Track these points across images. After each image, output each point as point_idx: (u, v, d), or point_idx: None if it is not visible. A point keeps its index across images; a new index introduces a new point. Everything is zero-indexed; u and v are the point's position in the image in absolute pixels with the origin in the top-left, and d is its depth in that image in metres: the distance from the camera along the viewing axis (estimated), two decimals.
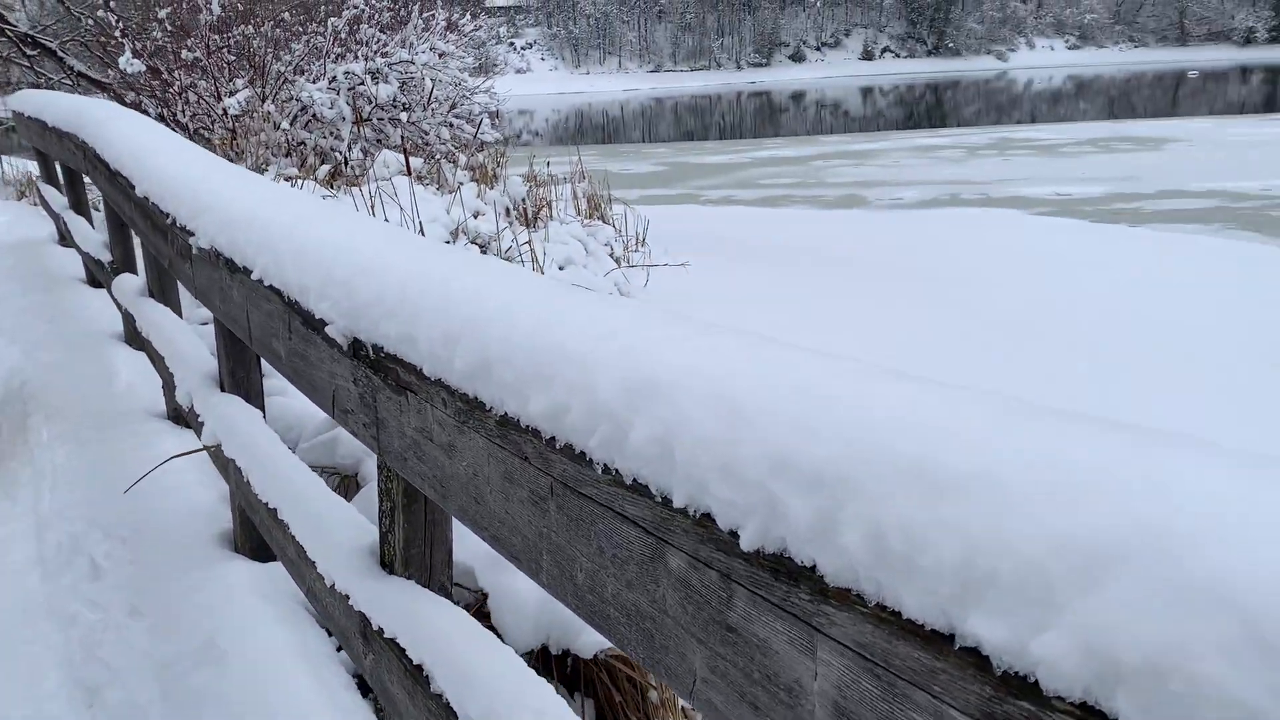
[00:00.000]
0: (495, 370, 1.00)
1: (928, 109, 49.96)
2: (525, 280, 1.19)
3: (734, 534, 0.69)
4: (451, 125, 7.69)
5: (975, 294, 8.39)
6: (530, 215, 6.00)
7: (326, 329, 1.48)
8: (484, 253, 5.12)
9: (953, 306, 7.78)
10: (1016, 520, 0.47)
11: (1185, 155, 19.97)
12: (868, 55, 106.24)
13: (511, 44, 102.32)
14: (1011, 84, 70.57)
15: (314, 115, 6.97)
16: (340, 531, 1.68)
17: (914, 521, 0.52)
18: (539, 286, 1.14)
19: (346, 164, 6.76)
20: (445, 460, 1.21)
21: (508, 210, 5.61)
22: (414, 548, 1.50)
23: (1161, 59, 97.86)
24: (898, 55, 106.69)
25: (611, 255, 6.40)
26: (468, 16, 9.54)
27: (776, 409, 0.64)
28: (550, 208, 6.61)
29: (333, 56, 7.82)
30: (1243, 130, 25.06)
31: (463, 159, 6.94)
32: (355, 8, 8.06)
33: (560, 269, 5.47)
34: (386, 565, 1.55)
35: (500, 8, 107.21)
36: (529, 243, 5.13)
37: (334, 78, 7.24)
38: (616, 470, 0.83)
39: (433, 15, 8.48)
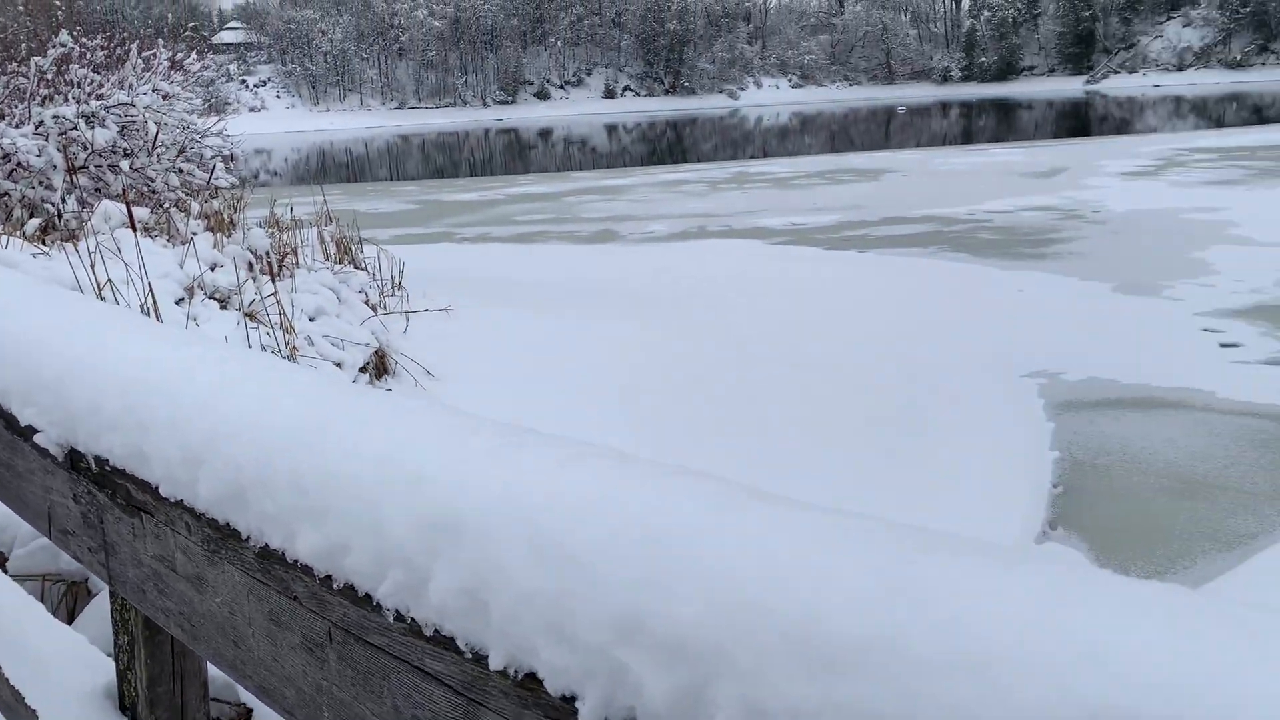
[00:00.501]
0: (251, 498, 0.82)
1: (670, 145, 51.93)
2: (281, 376, 1.00)
3: (569, 699, 0.57)
4: (181, 171, 7.12)
5: (721, 319, 8.68)
6: (275, 264, 5.61)
7: (35, 437, 1.24)
8: (224, 308, 4.73)
9: (700, 330, 8.00)
10: (932, 705, 0.39)
11: (901, 184, 21.76)
12: (610, 93, 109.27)
13: (244, 82, 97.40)
14: (744, 120, 74.68)
15: (19, 164, 6.25)
16: (66, 670, 1.41)
17: (804, 704, 0.43)
18: (301, 384, 0.96)
19: (60, 217, 6.09)
20: (194, 595, 1.00)
21: (250, 262, 5.22)
22: (160, 685, 1.26)
23: (874, 96, 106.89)
24: (638, 94, 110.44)
25: (367, 302, 6.10)
26: (193, 55, 8.92)
27: (621, 556, 0.53)
28: (296, 254, 6.22)
29: (39, 99, 7.06)
30: (947, 160, 27.68)
31: (195, 207, 6.42)
32: (63, 46, 7.33)
33: (311, 320, 5.14)
34: (128, 709, 1.30)
35: (229, 44, 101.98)
36: (275, 294, 4.78)
37: (41, 122, 6.54)
38: (413, 619, 0.69)
39: (154, 54, 7.85)
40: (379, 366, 5.26)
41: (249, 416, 0.90)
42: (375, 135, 74.57)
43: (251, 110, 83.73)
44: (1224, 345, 7.90)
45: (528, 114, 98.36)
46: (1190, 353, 7.76)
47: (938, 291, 10.44)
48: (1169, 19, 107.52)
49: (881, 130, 54.35)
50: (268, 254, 5.31)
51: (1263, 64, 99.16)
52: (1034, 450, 5.97)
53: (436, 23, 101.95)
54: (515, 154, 49.57)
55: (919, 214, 16.48)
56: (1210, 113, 53.84)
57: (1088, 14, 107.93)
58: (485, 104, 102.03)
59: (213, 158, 7.73)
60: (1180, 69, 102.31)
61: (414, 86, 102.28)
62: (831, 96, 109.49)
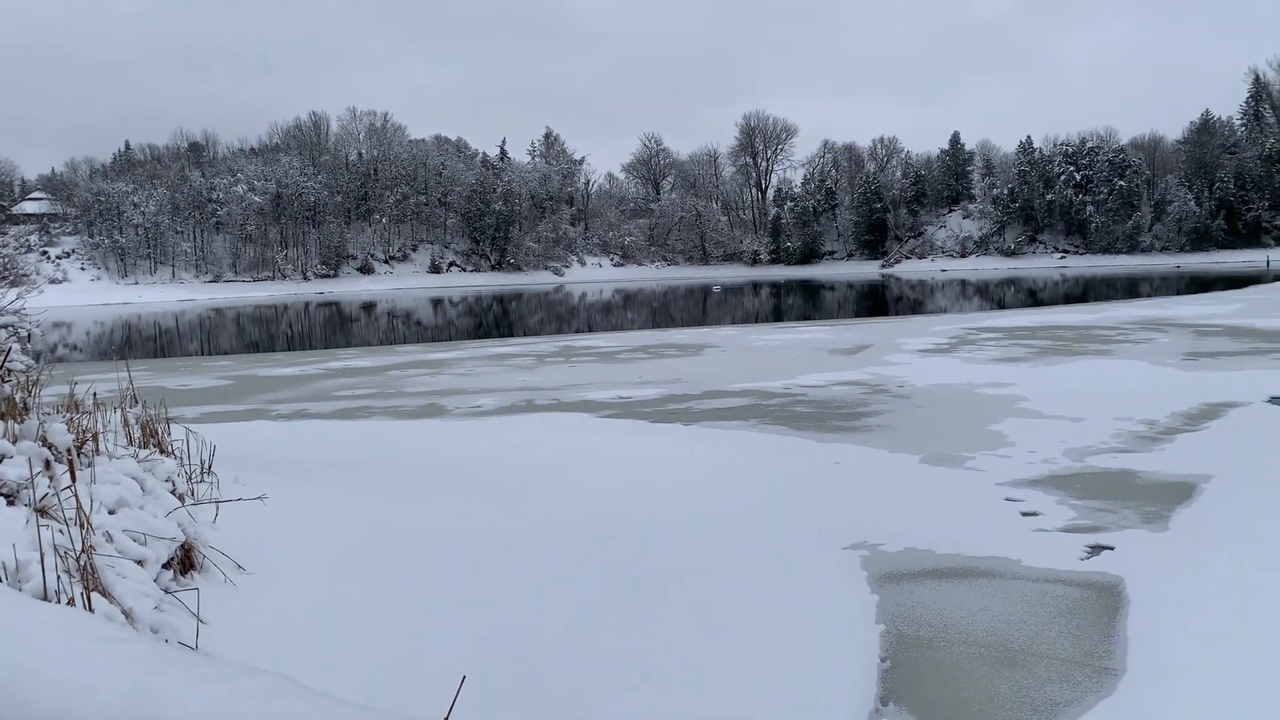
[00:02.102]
0: None
1: (496, 319, 52.47)
2: None
3: None
4: None
5: (550, 495, 8.59)
6: (72, 452, 5.20)
7: None
8: (12, 504, 4.31)
9: (531, 509, 7.88)
10: None
11: (720, 359, 22.65)
12: (435, 268, 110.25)
13: (45, 253, 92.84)
14: (569, 296, 76.64)
15: None
16: None
17: None
18: None
19: None
20: None
21: (47, 459, 4.82)
22: None
23: (690, 275, 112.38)
24: (464, 269, 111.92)
25: (174, 490, 5.71)
26: None
27: None
28: (97, 440, 5.79)
29: None
30: (761, 336, 29.11)
31: None
32: None
33: (112, 513, 4.75)
34: None
35: (30, 215, 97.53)
36: (71, 487, 4.41)
37: None
38: None
39: None
40: (185, 561, 4.88)
41: None
42: (187, 308, 72.02)
43: (52, 282, 79.54)
44: (1025, 514, 8.40)
45: (350, 288, 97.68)
46: (996, 522, 8.20)
47: (760, 464, 10.74)
48: (951, 211, 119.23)
49: (699, 307, 56.87)
50: (69, 450, 4.93)
51: (1033, 252, 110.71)
52: (860, 624, 6.07)
53: (257, 198, 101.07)
54: (336, 327, 48.81)
55: (738, 388, 17.11)
56: (992, 295, 59.26)
57: (879, 205, 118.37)
58: (306, 277, 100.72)
59: (6, 339, 7.21)
60: (963, 255, 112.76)
61: (230, 259, 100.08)
62: (651, 275, 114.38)
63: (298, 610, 4.85)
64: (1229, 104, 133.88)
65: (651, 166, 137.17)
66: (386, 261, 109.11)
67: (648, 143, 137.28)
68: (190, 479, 6.23)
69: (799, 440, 12.17)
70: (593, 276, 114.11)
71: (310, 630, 4.71)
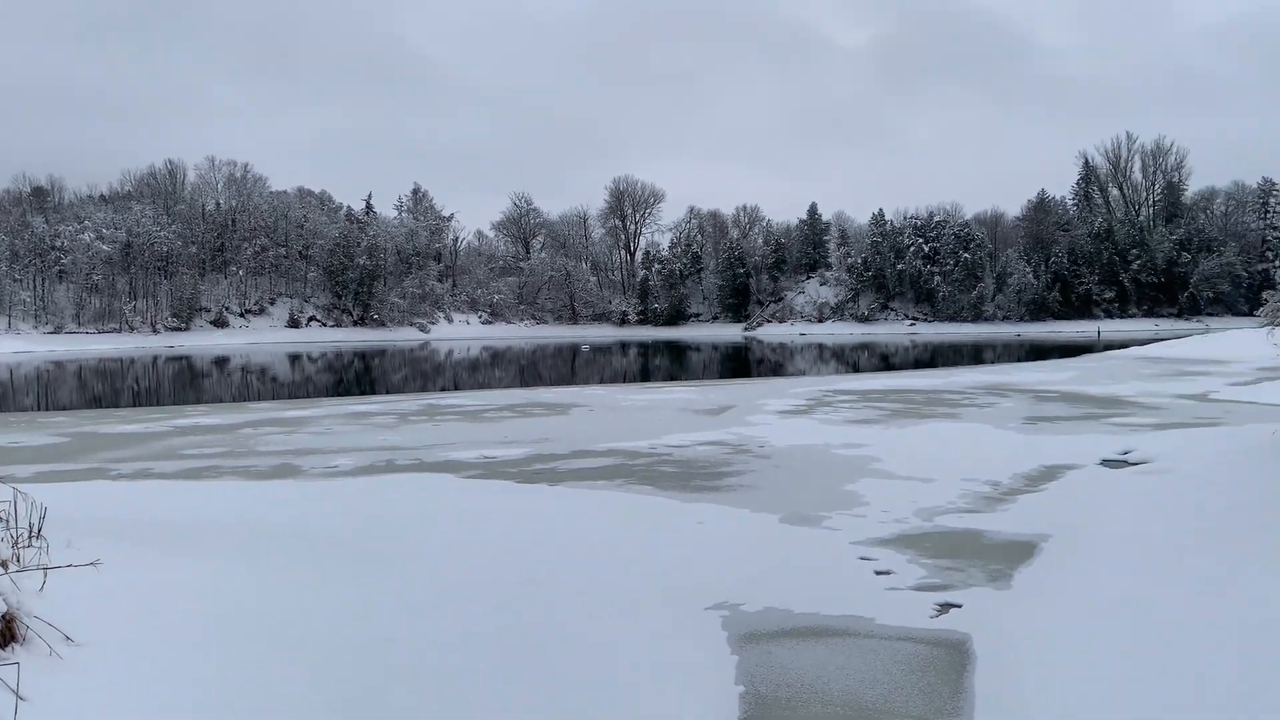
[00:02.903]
0: None
1: (357, 375, 51.17)
2: None
3: None
4: None
5: (412, 560, 8.37)
6: None
7: None
8: None
9: (390, 575, 7.66)
10: None
11: (587, 418, 22.65)
12: (294, 323, 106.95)
13: None
14: (435, 353, 75.51)
15: None
16: None
17: None
18: None
19: None
20: None
21: None
22: None
23: (559, 334, 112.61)
24: (324, 324, 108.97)
25: None
26: None
27: None
28: None
29: None
30: (629, 396, 29.29)
31: None
32: None
33: None
34: None
35: None
36: None
37: None
38: None
39: None
40: (5, 633, 4.52)
41: None
42: (23, 360, 67.62)
43: None
44: (878, 573, 8.65)
45: (203, 341, 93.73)
46: (851, 581, 8.41)
47: (624, 525, 10.74)
48: (809, 278, 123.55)
49: (568, 366, 56.91)
50: None
51: (885, 318, 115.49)
52: (720, 686, 6.09)
53: (105, 247, 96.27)
54: (186, 383, 46.64)
55: (605, 448, 17.13)
56: (848, 359, 61.43)
57: (743, 271, 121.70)
58: (155, 330, 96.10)
59: None
60: (821, 320, 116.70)
61: (74, 310, 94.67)
62: (520, 333, 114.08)
63: (128, 686, 4.54)
64: (1063, 184, 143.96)
65: (522, 225, 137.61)
66: (242, 315, 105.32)
67: (518, 202, 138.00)
68: (16, 544, 5.81)
69: (663, 500, 12.24)
70: (460, 334, 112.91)
71: (141, 708, 4.42)
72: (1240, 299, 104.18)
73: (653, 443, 17.71)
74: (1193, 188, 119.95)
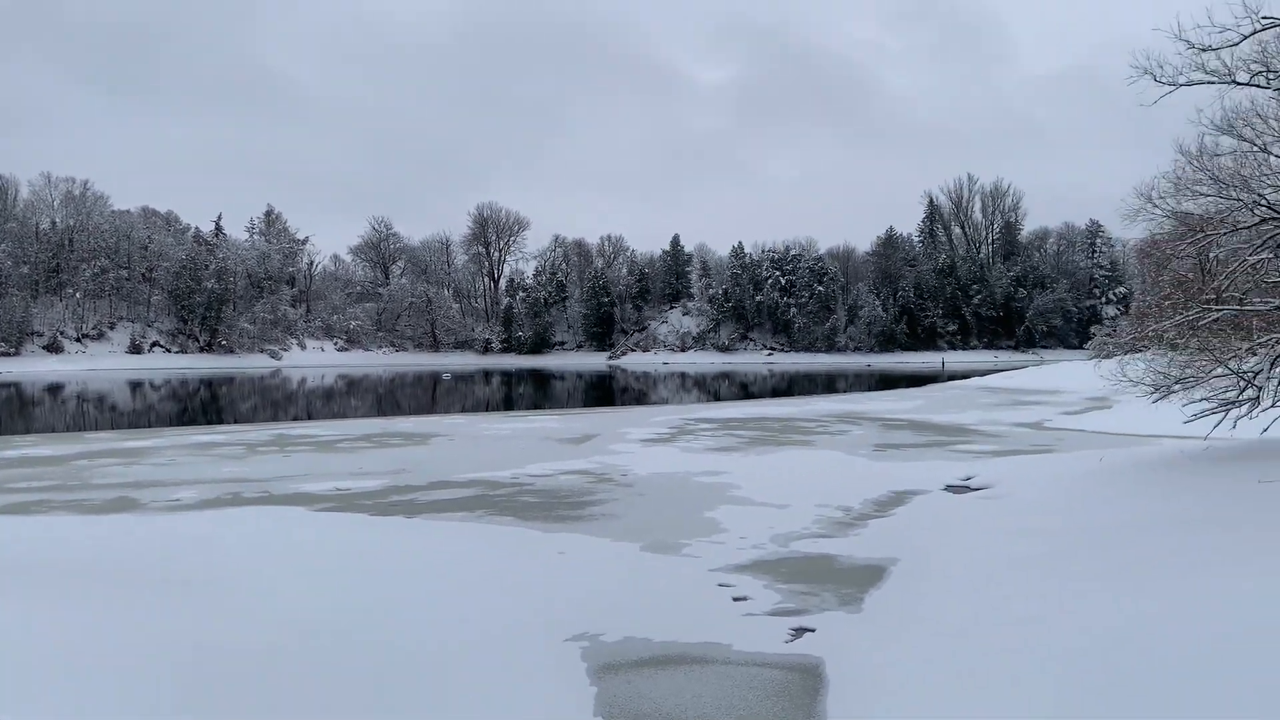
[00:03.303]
0: None
1: (203, 404, 48.92)
2: None
3: None
4: None
5: (256, 598, 8.03)
6: None
7: None
8: None
9: (235, 614, 7.32)
10: None
11: (448, 448, 22.27)
12: (136, 348, 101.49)
13: None
14: (287, 381, 72.94)
15: None
16: None
17: None
18: None
19: None
20: None
21: None
22: None
23: (420, 362, 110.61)
24: (169, 350, 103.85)
25: None
26: None
27: None
28: None
29: None
30: (491, 425, 28.96)
31: None
32: None
33: None
34: None
35: None
36: None
37: None
38: None
39: None
40: None
41: None
42: None
43: None
44: (736, 599, 8.77)
45: (35, 367, 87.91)
46: (709, 608, 8.50)
47: (484, 556, 10.58)
48: (672, 308, 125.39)
49: (428, 395, 55.88)
50: None
51: (745, 348, 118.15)
52: (577, 717, 6.04)
53: None
54: (15, 411, 43.58)
55: (465, 478, 16.86)
56: (709, 387, 62.47)
57: (607, 300, 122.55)
58: None
59: None
60: (683, 350, 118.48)
61: None
62: (378, 361, 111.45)
63: None
64: (910, 222, 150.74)
65: (381, 250, 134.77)
66: (79, 340, 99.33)
67: (378, 226, 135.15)
68: None
69: (525, 531, 12.12)
70: (314, 361, 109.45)
71: None
72: (1071, 333, 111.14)
73: (515, 472, 17.54)
74: (1028, 227, 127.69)
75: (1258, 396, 13.66)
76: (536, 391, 59.67)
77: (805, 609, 8.44)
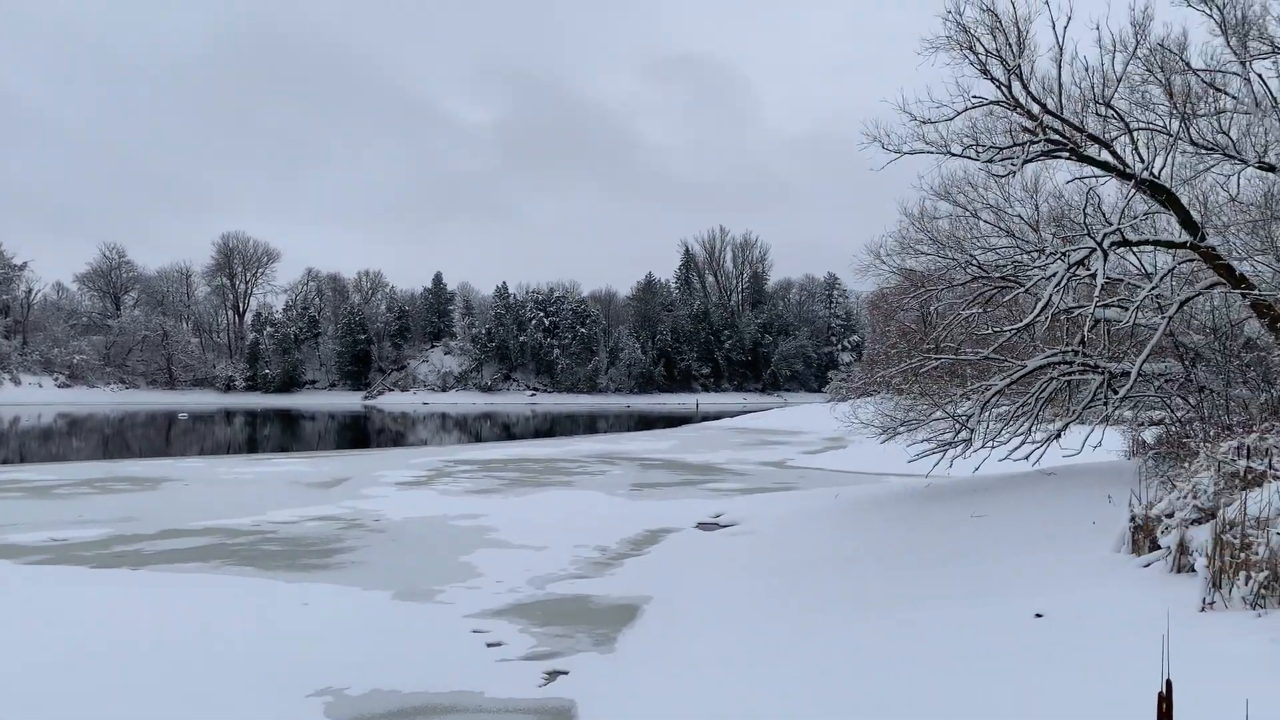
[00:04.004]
0: None
1: None
2: None
3: None
4: None
5: None
6: None
7: None
8: None
9: None
10: None
11: (182, 494, 20.70)
12: None
13: None
14: None
15: None
16: None
17: None
18: None
19: None
20: None
21: None
22: None
23: (153, 400, 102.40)
24: None
25: None
26: None
27: None
28: None
29: None
30: (232, 469, 27.19)
31: None
32: None
33: None
34: None
35: None
36: None
37: None
38: None
39: None
40: None
41: None
42: None
43: None
44: (490, 645, 8.64)
45: None
46: (463, 655, 8.32)
47: (219, 609, 9.88)
48: (433, 347, 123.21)
49: (162, 436, 51.79)
50: None
51: (508, 389, 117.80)
52: None
53: None
54: None
55: (201, 525, 15.73)
56: (470, 428, 61.69)
57: (364, 337, 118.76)
58: None
59: None
60: (445, 390, 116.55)
61: None
62: (106, 399, 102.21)
63: None
64: (668, 269, 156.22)
65: (112, 279, 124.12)
66: None
67: (108, 253, 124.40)
68: None
69: (265, 582, 11.43)
70: (30, 398, 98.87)
71: None
72: (812, 377, 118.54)
73: (256, 519, 16.54)
74: (774, 278, 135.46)
75: (970, 438, 15.08)
76: (284, 433, 56.67)
77: (559, 651, 8.43)
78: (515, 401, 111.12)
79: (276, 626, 9.27)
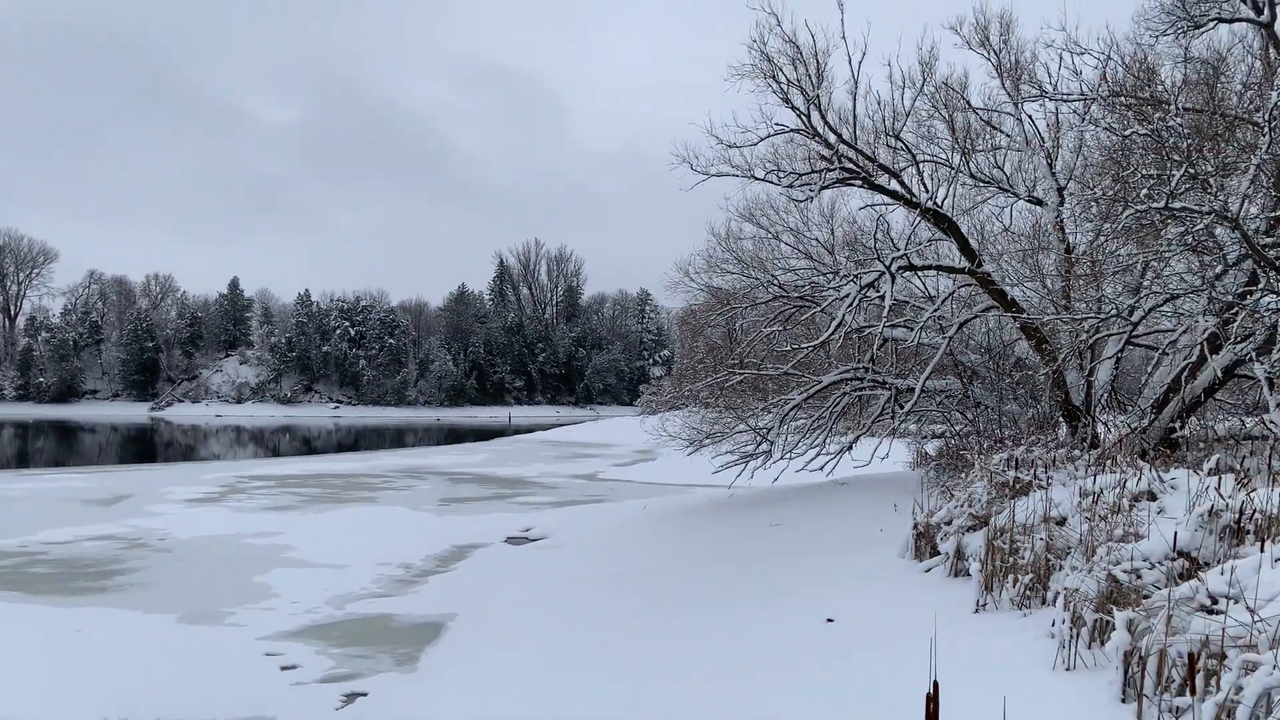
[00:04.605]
0: None
1: None
2: None
3: None
4: None
5: None
6: None
7: None
8: None
9: None
10: None
11: None
12: None
13: None
14: None
15: None
16: None
17: None
18: None
19: None
20: None
21: None
22: None
23: None
24: None
25: None
26: None
27: None
28: None
29: None
30: None
31: None
32: None
33: None
34: None
35: None
36: None
37: None
38: None
39: None
40: None
41: None
42: None
43: None
44: (285, 668, 8.28)
45: None
46: (256, 678, 7.94)
47: None
48: (229, 356, 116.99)
49: None
50: None
51: (309, 401, 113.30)
52: None
53: None
54: None
55: None
56: (268, 442, 58.86)
57: (152, 345, 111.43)
58: None
59: None
60: (240, 401, 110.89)
61: None
62: None
63: None
64: (482, 280, 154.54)
65: None
66: None
67: None
68: None
69: (33, 608, 10.53)
70: None
71: None
72: (624, 390, 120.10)
73: (25, 540, 15.21)
74: (588, 292, 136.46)
75: (770, 450, 15.69)
76: (59, 446, 52.33)
77: (359, 673, 8.17)
78: (317, 414, 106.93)
79: (44, 655, 8.55)
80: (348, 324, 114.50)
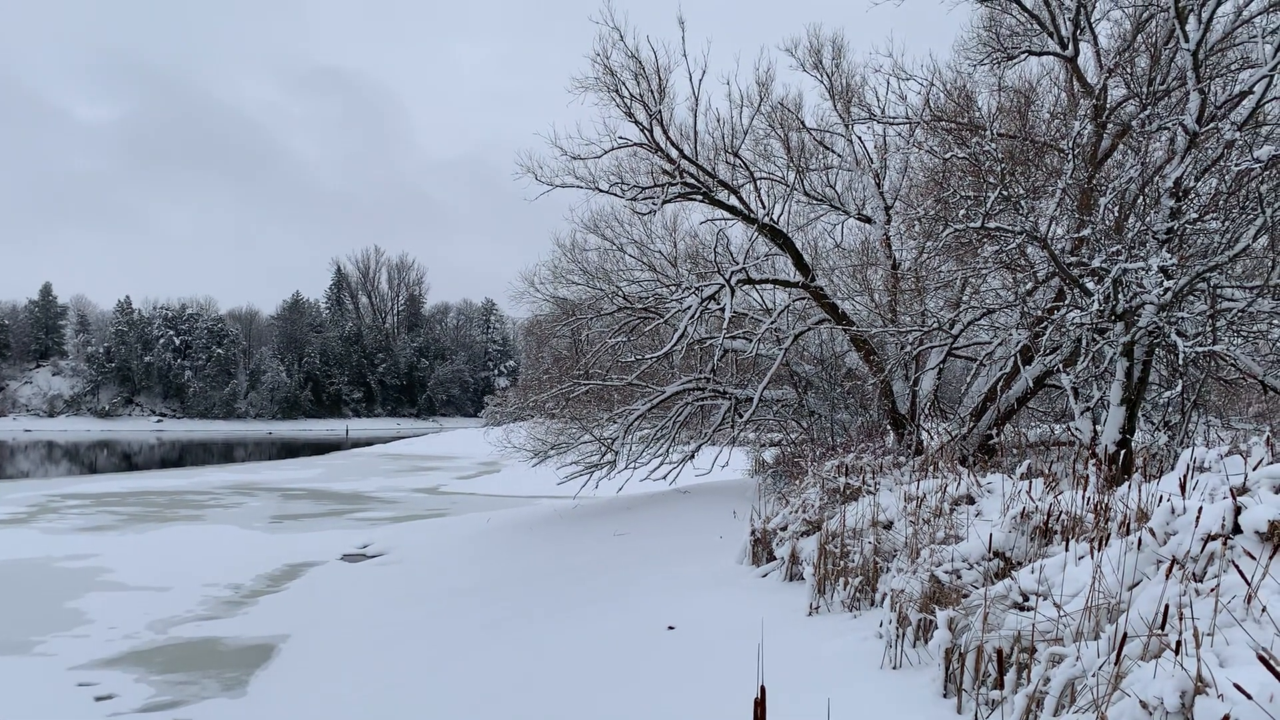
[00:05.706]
0: None
1: None
2: None
3: None
4: None
5: None
6: None
7: None
8: None
9: None
10: None
11: None
12: None
13: None
14: None
15: None
16: None
17: None
18: None
19: None
20: None
21: None
22: None
23: None
24: None
25: None
26: None
27: None
28: None
29: None
30: None
31: None
32: None
33: None
34: None
35: None
36: None
37: None
38: None
39: None
40: None
41: None
42: None
43: None
44: (99, 699, 7.77)
45: None
46: (67, 711, 7.41)
47: None
48: (39, 367, 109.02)
49: None
50: None
51: (130, 414, 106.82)
52: None
53: None
54: None
55: None
56: (83, 459, 55.08)
57: None
58: None
59: None
60: (52, 415, 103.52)
61: None
62: None
63: None
64: (318, 288, 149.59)
65: None
66: None
67: None
68: None
69: None
70: None
71: None
72: (468, 401, 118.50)
73: None
74: (431, 301, 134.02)
75: (615, 459, 15.80)
76: None
77: (183, 700, 7.74)
78: (139, 428, 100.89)
79: None
80: (172, 333, 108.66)
